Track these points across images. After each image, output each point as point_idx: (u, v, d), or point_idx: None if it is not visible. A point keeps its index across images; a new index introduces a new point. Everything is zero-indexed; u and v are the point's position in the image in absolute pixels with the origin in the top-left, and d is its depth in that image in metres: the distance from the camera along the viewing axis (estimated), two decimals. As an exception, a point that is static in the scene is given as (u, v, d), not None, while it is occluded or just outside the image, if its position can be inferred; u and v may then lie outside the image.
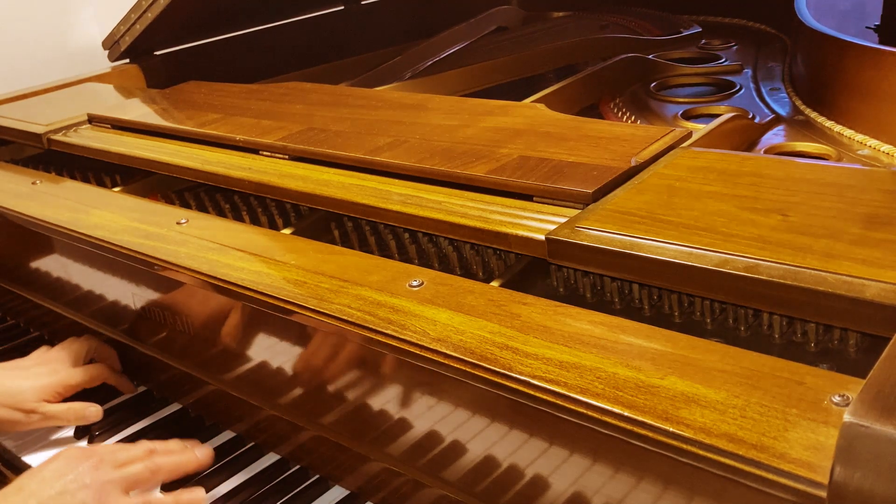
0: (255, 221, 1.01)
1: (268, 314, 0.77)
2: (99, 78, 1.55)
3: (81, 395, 1.11)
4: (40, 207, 1.05)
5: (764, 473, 0.46)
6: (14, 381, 0.98)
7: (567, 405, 0.55)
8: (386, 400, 0.73)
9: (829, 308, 0.56)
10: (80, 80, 1.54)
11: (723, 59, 1.37)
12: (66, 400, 1.01)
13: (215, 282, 0.80)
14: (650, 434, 0.51)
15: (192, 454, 0.89)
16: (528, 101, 1.09)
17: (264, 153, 1.01)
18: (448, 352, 0.62)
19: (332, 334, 0.73)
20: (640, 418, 0.51)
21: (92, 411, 1.00)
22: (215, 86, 1.33)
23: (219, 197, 1.09)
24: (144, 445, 0.87)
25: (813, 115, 1.06)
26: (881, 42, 1.26)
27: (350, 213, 0.87)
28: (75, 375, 1.02)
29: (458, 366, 0.61)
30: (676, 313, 0.69)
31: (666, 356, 0.56)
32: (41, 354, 1.06)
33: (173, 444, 0.90)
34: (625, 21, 1.68)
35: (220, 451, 0.95)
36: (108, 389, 1.11)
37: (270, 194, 0.94)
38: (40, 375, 1.00)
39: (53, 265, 1.10)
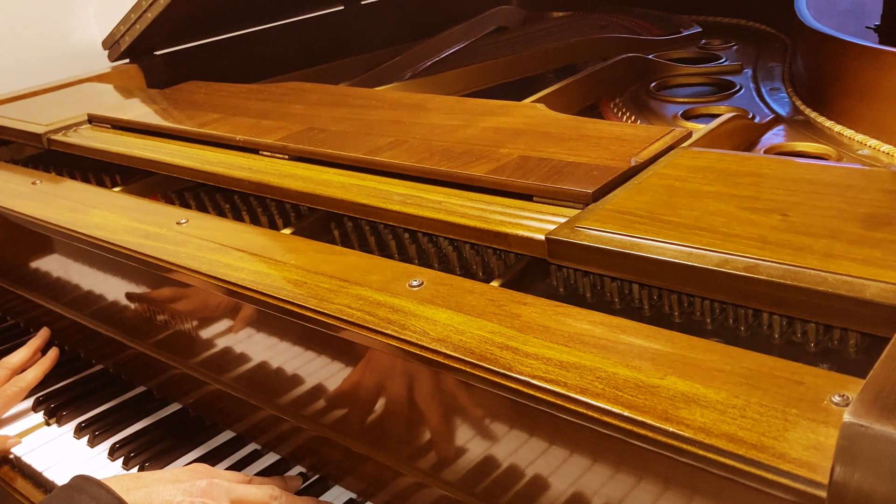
0: (255, 221, 1.01)
1: (268, 314, 0.77)
2: (99, 78, 1.55)
3: (80, 390, 1.11)
4: (40, 207, 1.05)
5: (764, 473, 0.46)
6: None
7: (567, 405, 0.55)
8: (386, 400, 0.73)
9: (829, 308, 0.56)
10: (80, 80, 1.54)
11: (723, 59, 1.37)
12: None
13: (215, 282, 0.80)
14: (650, 434, 0.51)
15: None
16: (528, 101, 1.09)
17: (264, 153, 1.01)
18: (448, 352, 0.62)
19: (331, 335, 0.73)
20: (640, 418, 0.51)
21: None
22: (215, 86, 1.33)
23: (219, 197, 1.09)
24: (269, 491, 0.80)
25: (813, 115, 1.06)
26: (881, 42, 1.26)
27: (350, 213, 0.87)
28: None
29: (458, 366, 0.61)
30: (676, 313, 0.69)
31: (666, 356, 0.56)
32: None
33: (302, 500, 0.83)
34: (625, 21, 1.68)
35: (219, 451, 0.96)
36: (110, 388, 1.11)
37: (270, 194, 0.94)
38: None
39: (53, 265, 1.10)
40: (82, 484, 0.70)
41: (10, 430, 1.07)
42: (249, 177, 0.96)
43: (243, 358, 0.86)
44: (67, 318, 1.13)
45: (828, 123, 1.03)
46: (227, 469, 0.90)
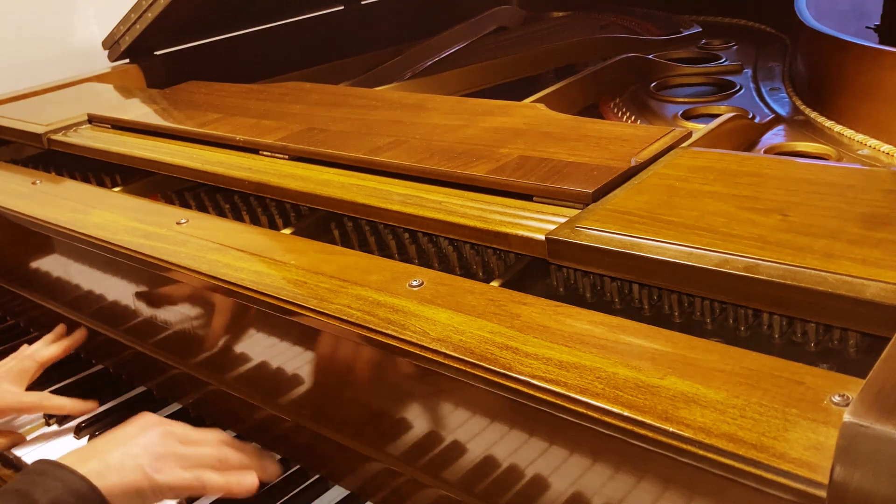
0: (255, 221, 1.01)
1: (268, 314, 0.77)
2: (99, 78, 1.55)
3: (80, 390, 1.11)
4: (40, 207, 1.05)
5: (764, 473, 0.46)
6: None
7: (567, 405, 0.55)
8: (386, 400, 0.73)
9: (829, 308, 0.56)
10: (80, 80, 1.54)
11: (723, 59, 1.37)
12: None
13: (215, 282, 0.80)
14: (650, 434, 0.51)
15: (262, 462, 0.85)
16: (528, 101, 1.09)
17: (264, 153, 1.01)
18: (448, 352, 0.62)
19: (332, 335, 0.73)
20: (640, 418, 0.51)
21: None
22: (215, 86, 1.33)
23: (219, 197, 1.09)
24: (219, 435, 0.84)
25: (813, 115, 1.06)
26: (881, 42, 1.26)
27: (350, 213, 0.87)
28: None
29: (458, 366, 0.61)
30: (676, 313, 0.69)
31: (666, 356, 0.56)
32: None
33: (250, 446, 0.87)
34: (625, 21, 1.68)
35: (220, 451, 0.96)
36: (110, 388, 1.11)
37: (270, 194, 0.94)
38: None
39: (53, 265, 1.10)
40: (44, 467, 0.71)
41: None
42: (249, 177, 0.96)
43: (243, 358, 0.86)
44: (67, 318, 1.13)
45: (828, 123, 1.03)
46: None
